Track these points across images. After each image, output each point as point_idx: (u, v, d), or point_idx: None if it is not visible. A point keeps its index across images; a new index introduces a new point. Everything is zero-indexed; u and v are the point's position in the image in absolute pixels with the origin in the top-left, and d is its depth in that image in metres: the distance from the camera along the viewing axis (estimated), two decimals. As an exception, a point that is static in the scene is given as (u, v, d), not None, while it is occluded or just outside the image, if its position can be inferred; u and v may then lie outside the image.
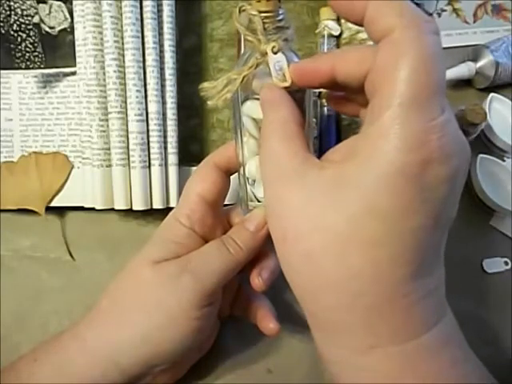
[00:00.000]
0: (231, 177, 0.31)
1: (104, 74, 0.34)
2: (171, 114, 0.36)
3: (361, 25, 0.21)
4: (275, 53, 0.24)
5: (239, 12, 0.24)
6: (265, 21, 0.24)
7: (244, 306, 0.33)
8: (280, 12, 0.24)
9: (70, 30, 0.37)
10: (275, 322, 0.31)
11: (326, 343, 0.22)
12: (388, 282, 0.19)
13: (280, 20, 0.24)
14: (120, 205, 0.35)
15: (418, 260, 0.19)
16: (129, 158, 0.35)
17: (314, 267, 0.20)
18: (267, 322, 0.31)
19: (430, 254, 0.20)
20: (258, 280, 0.29)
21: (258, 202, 0.29)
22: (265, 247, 0.30)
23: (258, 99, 0.26)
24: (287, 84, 0.24)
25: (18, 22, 0.37)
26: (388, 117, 0.18)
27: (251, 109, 0.26)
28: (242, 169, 0.28)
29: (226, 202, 0.32)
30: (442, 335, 0.20)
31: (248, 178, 0.28)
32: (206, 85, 0.25)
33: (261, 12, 0.24)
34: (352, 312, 0.20)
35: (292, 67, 0.24)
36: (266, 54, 0.24)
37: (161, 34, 0.35)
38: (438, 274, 0.21)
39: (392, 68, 0.18)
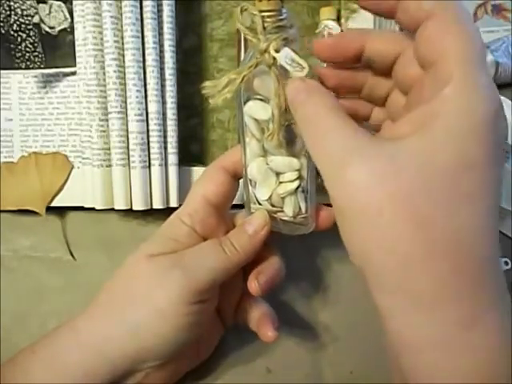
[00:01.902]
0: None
1: (104, 74, 0.34)
2: (171, 113, 0.36)
3: (390, 17, 0.21)
4: (277, 51, 0.24)
5: (241, 12, 0.24)
6: (266, 20, 0.24)
7: (246, 312, 0.32)
8: (283, 11, 0.24)
9: (70, 30, 0.36)
10: (273, 330, 0.30)
11: (422, 323, 0.19)
12: (490, 237, 0.19)
13: (281, 19, 0.24)
14: (120, 205, 0.35)
15: (497, 217, 0.20)
16: (129, 158, 0.35)
17: (424, 230, 0.18)
18: (266, 330, 0.31)
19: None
20: (254, 284, 0.28)
21: (259, 204, 0.28)
22: (265, 251, 0.30)
23: (259, 99, 0.26)
24: (306, 70, 0.24)
25: (18, 22, 0.37)
26: (461, 75, 0.19)
27: (253, 109, 0.26)
28: (244, 170, 0.28)
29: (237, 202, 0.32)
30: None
31: (250, 180, 0.28)
32: (207, 83, 0.25)
33: (262, 11, 0.24)
34: (460, 274, 0.18)
35: (323, 42, 0.24)
36: (265, 52, 0.24)
37: (161, 34, 0.35)
38: None
39: (446, 36, 0.19)
